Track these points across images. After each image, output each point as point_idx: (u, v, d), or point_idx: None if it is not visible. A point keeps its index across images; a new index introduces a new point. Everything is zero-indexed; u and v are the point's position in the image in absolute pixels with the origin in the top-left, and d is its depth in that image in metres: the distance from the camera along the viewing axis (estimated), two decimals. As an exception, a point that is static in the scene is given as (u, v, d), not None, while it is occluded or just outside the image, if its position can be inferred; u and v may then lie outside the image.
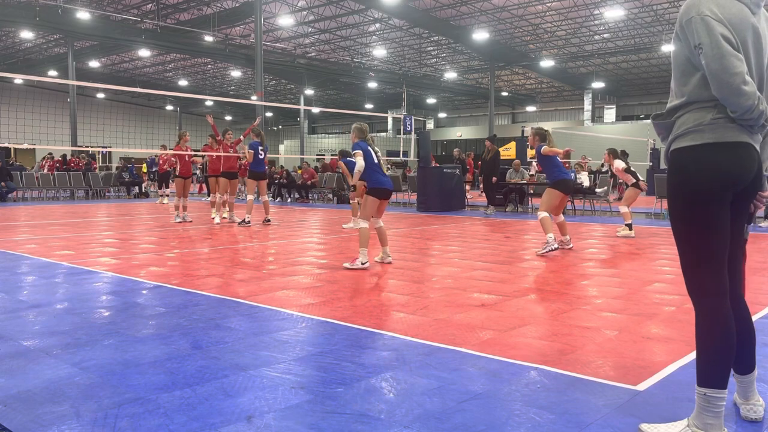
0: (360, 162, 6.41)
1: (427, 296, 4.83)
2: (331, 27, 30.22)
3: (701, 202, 2.18)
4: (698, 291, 2.23)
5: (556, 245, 7.18)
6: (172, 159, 14.27)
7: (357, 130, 6.73)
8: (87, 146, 33.02)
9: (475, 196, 18.66)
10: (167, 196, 17.68)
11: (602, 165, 20.67)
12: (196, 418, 2.46)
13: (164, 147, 18.98)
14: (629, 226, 9.23)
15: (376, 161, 6.50)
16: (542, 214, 7.36)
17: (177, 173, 11.75)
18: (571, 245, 7.69)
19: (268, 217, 11.15)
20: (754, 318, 4.16)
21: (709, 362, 2.20)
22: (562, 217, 7.70)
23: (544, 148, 7.50)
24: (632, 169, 9.86)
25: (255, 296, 4.78)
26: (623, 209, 9.43)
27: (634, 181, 9.55)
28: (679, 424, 2.29)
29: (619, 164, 9.63)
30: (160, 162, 17.75)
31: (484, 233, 9.86)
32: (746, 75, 2.06)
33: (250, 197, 10.93)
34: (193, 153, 11.89)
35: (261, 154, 10.89)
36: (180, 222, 11.17)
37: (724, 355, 2.19)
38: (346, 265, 6.21)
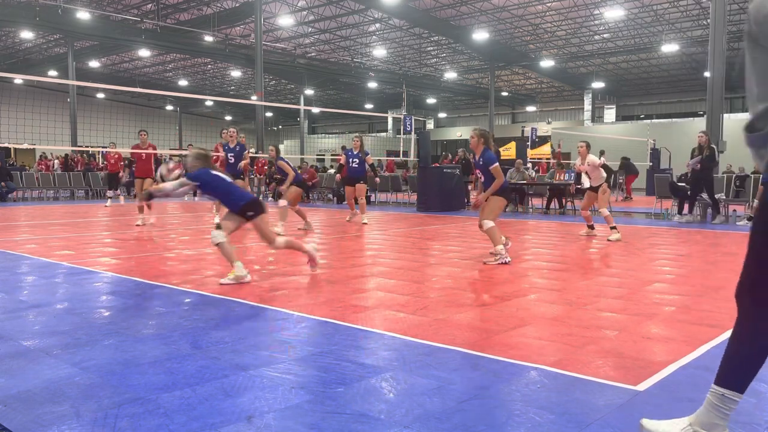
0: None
1: (427, 296, 4.83)
2: (331, 27, 30.20)
3: None
4: (753, 297, 2.14)
5: (509, 258, 6.53)
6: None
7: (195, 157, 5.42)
8: (87, 146, 33.00)
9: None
10: (111, 198, 16.79)
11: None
12: (196, 418, 2.46)
13: (114, 145, 17.91)
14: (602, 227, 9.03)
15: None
16: (489, 223, 6.60)
17: (134, 174, 10.74)
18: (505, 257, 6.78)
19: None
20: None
21: (739, 366, 2.15)
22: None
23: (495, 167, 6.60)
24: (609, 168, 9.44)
25: (255, 296, 4.78)
26: (605, 212, 8.93)
27: (604, 178, 9.09)
28: (680, 422, 2.28)
29: (593, 159, 9.01)
30: (111, 161, 16.71)
31: (484, 233, 9.85)
32: None
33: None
34: (154, 152, 11.18)
35: (231, 159, 10.27)
36: (140, 225, 10.34)
37: (755, 364, 2.13)
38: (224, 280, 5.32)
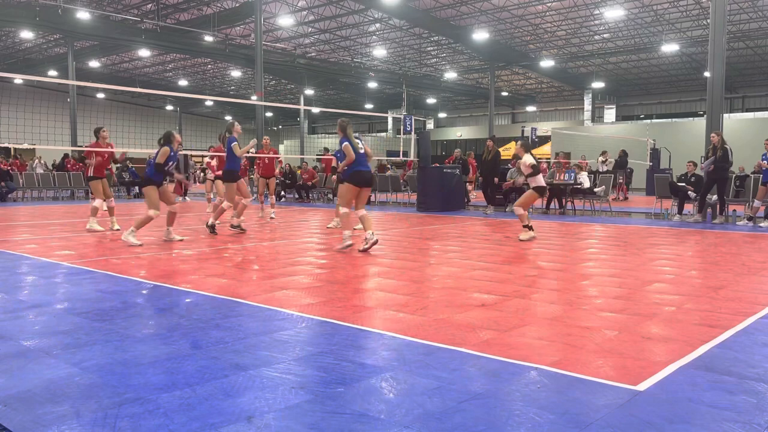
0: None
1: (427, 296, 4.83)
2: (331, 27, 30.21)
3: None
4: None
5: (350, 242, 7.38)
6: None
7: None
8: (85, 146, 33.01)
9: (479, 196, 18.64)
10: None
11: (603, 162, 20.58)
12: (196, 418, 2.46)
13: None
14: (529, 228, 8.58)
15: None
16: (342, 209, 7.52)
17: (92, 173, 9.98)
18: (371, 241, 7.24)
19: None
20: (754, 318, 4.16)
21: None
22: (363, 211, 7.52)
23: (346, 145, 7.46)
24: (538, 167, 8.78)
25: (255, 296, 4.78)
26: (519, 210, 8.59)
27: (537, 182, 8.65)
28: None
29: (527, 159, 8.69)
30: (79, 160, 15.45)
31: (484, 233, 9.86)
32: None
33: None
34: (112, 151, 10.44)
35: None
36: (92, 230, 9.52)
37: None
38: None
